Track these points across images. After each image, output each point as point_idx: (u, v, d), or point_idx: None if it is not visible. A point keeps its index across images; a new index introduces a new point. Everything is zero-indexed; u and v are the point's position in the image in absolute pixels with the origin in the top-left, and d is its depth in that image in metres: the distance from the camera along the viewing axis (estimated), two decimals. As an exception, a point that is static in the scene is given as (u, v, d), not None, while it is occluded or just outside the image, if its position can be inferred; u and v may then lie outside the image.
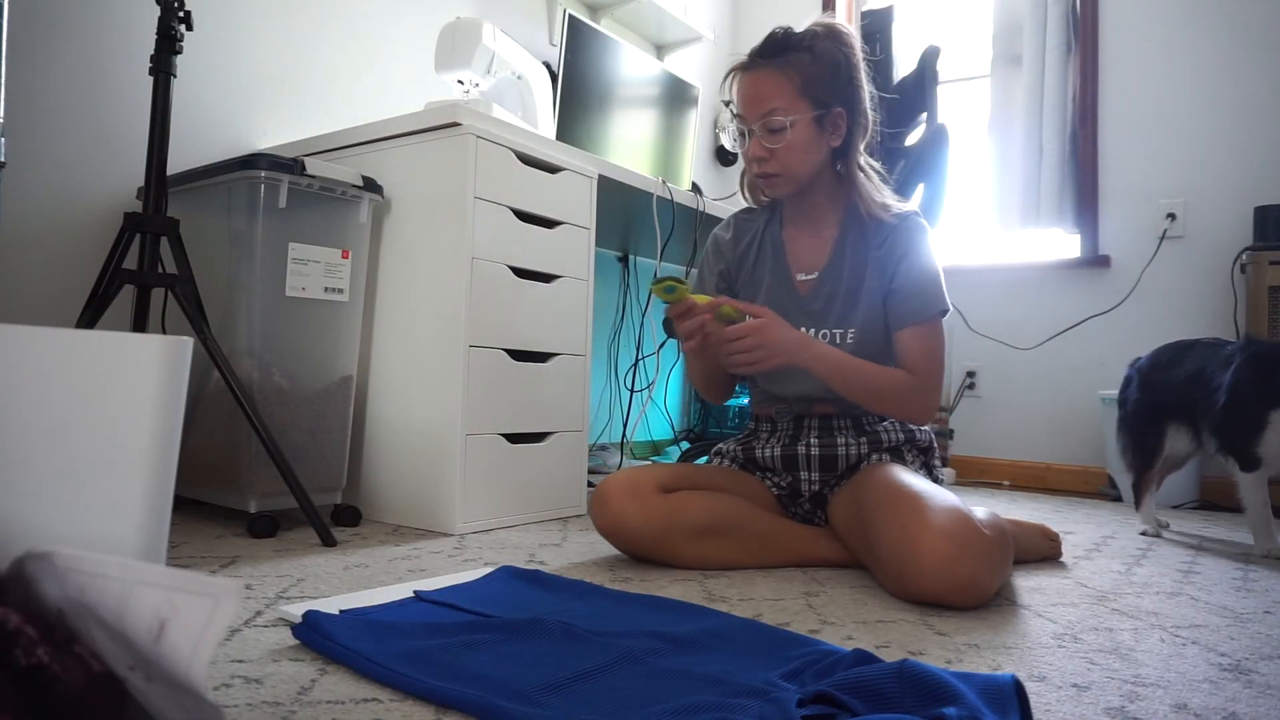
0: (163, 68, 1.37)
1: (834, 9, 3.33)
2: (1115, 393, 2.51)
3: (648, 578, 1.25)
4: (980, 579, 1.10)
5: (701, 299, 1.28)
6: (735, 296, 1.48)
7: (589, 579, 1.21)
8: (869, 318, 1.37)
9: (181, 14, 1.38)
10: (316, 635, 0.85)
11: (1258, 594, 1.27)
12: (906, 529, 1.12)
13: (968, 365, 2.95)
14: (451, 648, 0.83)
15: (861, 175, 1.39)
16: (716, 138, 3.41)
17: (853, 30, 1.37)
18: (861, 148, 1.39)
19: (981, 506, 1.25)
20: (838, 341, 1.38)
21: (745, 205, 1.57)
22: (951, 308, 1.38)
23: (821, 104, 1.32)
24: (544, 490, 1.75)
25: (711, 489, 1.37)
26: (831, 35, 1.33)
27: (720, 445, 1.54)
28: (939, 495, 1.17)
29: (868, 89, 1.38)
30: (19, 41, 1.52)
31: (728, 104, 1.41)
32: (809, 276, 1.43)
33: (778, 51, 1.32)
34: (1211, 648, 0.97)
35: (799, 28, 1.35)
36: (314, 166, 1.53)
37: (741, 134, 1.38)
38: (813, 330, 1.40)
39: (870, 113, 1.38)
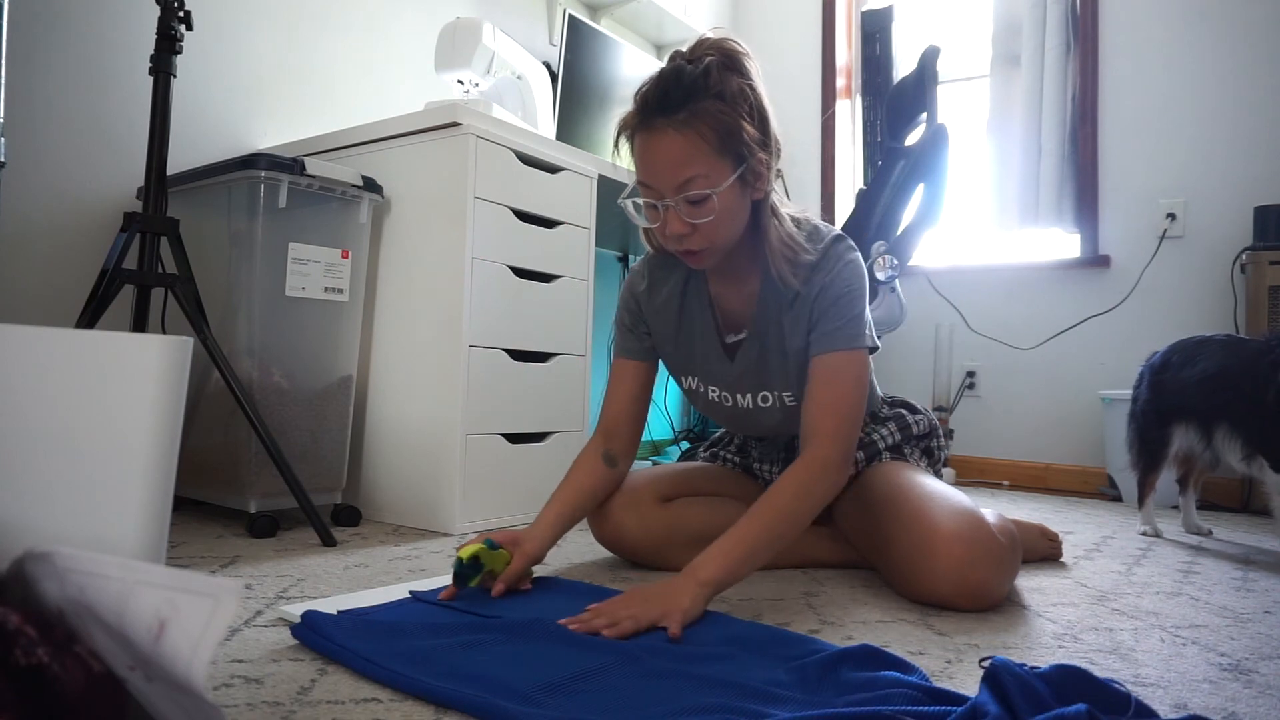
0: (163, 68, 1.37)
1: (834, 9, 3.33)
2: (1115, 392, 2.52)
3: (648, 578, 1.25)
4: (992, 584, 1.10)
5: (499, 560, 1.07)
6: (653, 355, 1.31)
7: (589, 579, 1.21)
8: (805, 374, 1.17)
9: (181, 14, 1.38)
10: (315, 635, 0.85)
11: (1258, 594, 1.27)
12: (918, 533, 1.12)
13: (968, 365, 2.95)
14: (451, 648, 0.83)
15: (774, 223, 1.14)
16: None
17: (743, 44, 1.12)
18: (774, 177, 1.14)
19: (987, 508, 1.25)
20: (779, 406, 1.24)
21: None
22: (876, 345, 1.17)
23: (741, 157, 1.07)
24: (544, 490, 1.73)
25: (711, 493, 1.37)
26: (731, 62, 1.08)
27: (715, 448, 1.51)
28: (950, 497, 1.16)
29: (769, 105, 1.12)
30: (19, 41, 1.52)
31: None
32: (739, 337, 1.24)
33: (682, 102, 1.04)
34: (1211, 648, 0.97)
35: (690, 53, 1.09)
36: (314, 166, 1.53)
37: (652, 206, 1.10)
38: (750, 397, 1.25)
39: (777, 134, 1.12)
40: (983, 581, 1.09)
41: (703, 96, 1.04)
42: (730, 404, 1.29)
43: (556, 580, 1.14)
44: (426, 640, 0.85)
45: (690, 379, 1.30)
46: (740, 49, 1.11)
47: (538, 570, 1.22)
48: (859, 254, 1.19)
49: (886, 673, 0.74)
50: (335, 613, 0.92)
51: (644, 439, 3.03)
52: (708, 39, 1.12)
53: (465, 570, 1.04)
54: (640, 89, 1.09)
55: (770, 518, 1.05)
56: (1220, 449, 1.66)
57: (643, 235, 1.23)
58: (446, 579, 1.11)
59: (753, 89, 1.09)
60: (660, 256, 1.28)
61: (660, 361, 1.33)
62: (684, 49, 1.11)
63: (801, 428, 1.14)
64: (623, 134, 1.12)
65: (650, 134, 1.06)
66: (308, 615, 0.88)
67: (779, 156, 1.14)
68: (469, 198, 1.59)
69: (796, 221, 1.18)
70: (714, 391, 1.29)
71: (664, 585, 0.99)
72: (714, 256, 1.14)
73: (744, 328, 1.23)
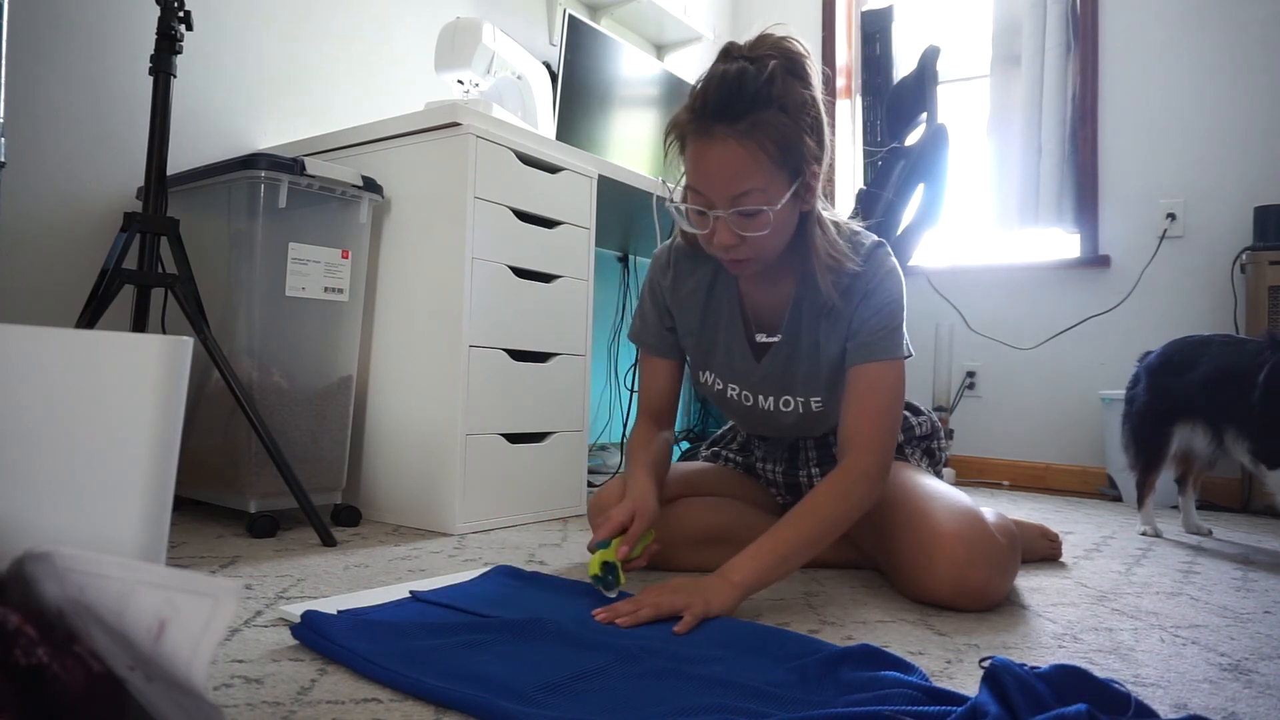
0: (163, 68, 1.37)
1: (834, 9, 3.33)
2: (1115, 393, 2.51)
3: (647, 579, 1.24)
4: (993, 584, 1.10)
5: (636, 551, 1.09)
6: (679, 351, 1.30)
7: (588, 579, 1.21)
8: (835, 380, 1.19)
9: (181, 14, 1.38)
10: (315, 635, 0.85)
11: (1258, 594, 1.27)
12: (919, 533, 1.12)
13: (968, 365, 2.95)
14: (451, 648, 0.83)
15: (819, 233, 1.12)
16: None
17: (804, 45, 1.08)
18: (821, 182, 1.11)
19: (986, 507, 1.25)
20: (801, 410, 1.23)
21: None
22: (911, 353, 1.17)
23: (798, 170, 1.05)
24: (544, 490, 1.75)
25: (711, 493, 1.37)
26: (794, 68, 1.04)
27: (716, 447, 1.51)
28: (951, 497, 1.17)
29: (825, 113, 1.09)
30: (19, 41, 1.52)
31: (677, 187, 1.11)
32: (770, 339, 1.21)
33: (744, 112, 1.00)
34: (1211, 648, 0.97)
35: (750, 51, 1.05)
36: (314, 166, 1.53)
37: (701, 213, 1.06)
38: (772, 399, 1.24)
39: (830, 142, 1.09)
40: (983, 582, 1.09)
41: (766, 107, 1.00)
42: (750, 403, 1.27)
43: (552, 579, 1.14)
44: (426, 640, 0.85)
45: (708, 374, 1.29)
46: (802, 51, 1.06)
47: (547, 568, 1.22)
48: (897, 261, 1.19)
49: (886, 673, 0.74)
50: (335, 613, 0.92)
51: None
52: (770, 37, 1.06)
53: (606, 578, 1.05)
54: (698, 87, 1.04)
55: (807, 524, 1.06)
56: (1231, 450, 1.65)
57: (679, 232, 1.20)
58: (447, 579, 1.12)
59: (814, 99, 1.05)
60: (687, 248, 1.24)
61: (685, 363, 1.33)
62: (742, 42, 1.07)
63: (839, 437, 1.14)
64: (673, 134, 1.08)
65: (708, 140, 1.02)
66: (308, 615, 0.88)
67: (828, 159, 1.11)
68: (469, 198, 1.59)
69: (837, 227, 1.16)
70: (733, 390, 1.28)
71: (696, 580, 1.01)
72: (758, 266, 1.12)
73: (775, 330, 1.21)
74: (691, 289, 1.25)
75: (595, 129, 2.34)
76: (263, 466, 1.46)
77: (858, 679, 0.75)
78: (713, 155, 1.02)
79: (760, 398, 1.26)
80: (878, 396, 1.12)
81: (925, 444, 1.41)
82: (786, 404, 1.24)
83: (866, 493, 1.09)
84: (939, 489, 1.19)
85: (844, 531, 1.10)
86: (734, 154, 1.01)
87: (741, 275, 1.18)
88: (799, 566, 1.08)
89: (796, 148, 1.03)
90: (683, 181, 1.08)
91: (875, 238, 1.19)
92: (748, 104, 1.00)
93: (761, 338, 1.22)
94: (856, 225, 1.21)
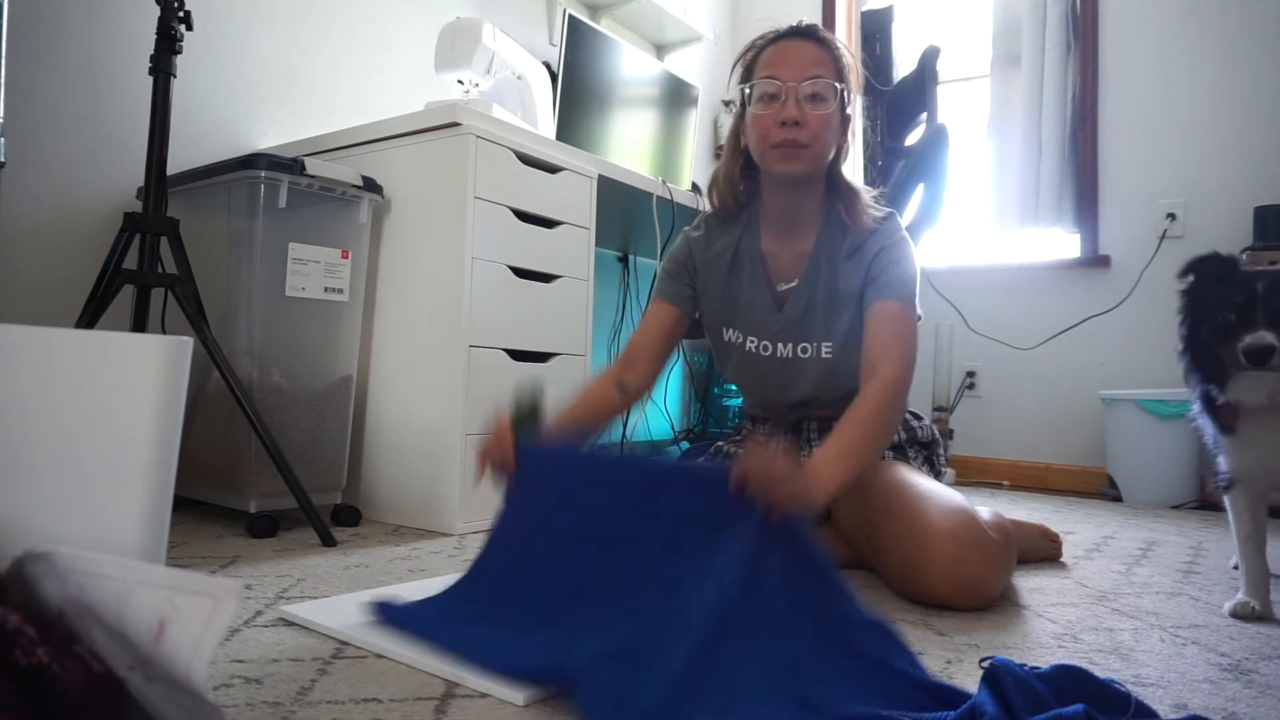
0: (163, 68, 1.37)
1: (834, 9, 3.33)
2: (1115, 392, 2.51)
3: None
4: (985, 582, 1.10)
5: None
6: (695, 307, 1.40)
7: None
8: (845, 330, 1.29)
9: (181, 14, 1.38)
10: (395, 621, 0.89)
11: (1258, 594, 1.27)
12: (912, 531, 1.12)
13: (968, 365, 2.95)
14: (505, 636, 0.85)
15: (845, 179, 1.31)
16: (717, 137, 3.41)
17: None
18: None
19: (984, 506, 1.25)
20: (808, 355, 1.32)
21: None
22: (921, 316, 1.27)
23: (844, 102, 1.25)
24: (544, 490, 1.75)
25: None
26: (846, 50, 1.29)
27: (720, 444, 1.53)
28: (944, 496, 1.17)
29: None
30: (19, 41, 1.52)
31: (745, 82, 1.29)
32: (787, 286, 1.33)
33: (824, 38, 1.25)
34: (1211, 648, 0.97)
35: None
36: (314, 166, 1.53)
37: (772, 96, 1.22)
38: (791, 345, 1.32)
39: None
40: (976, 579, 1.09)
41: (839, 47, 1.26)
42: (769, 353, 1.34)
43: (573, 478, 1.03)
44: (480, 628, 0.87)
45: (730, 331, 1.37)
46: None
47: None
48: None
49: (898, 660, 0.75)
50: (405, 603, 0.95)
51: (644, 438, 3.03)
52: None
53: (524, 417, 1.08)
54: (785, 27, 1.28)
55: (872, 422, 1.11)
56: None
57: (709, 191, 1.37)
58: (448, 579, 1.11)
59: (856, 71, 1.28)
60: (718, 217, 1.38)
61: (688, 324, 1.40)
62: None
63: (865, 359, 1.21)
64: (747, 54, 1.28)
65: (790, 41, 1.25)
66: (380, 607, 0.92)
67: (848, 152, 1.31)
68: (469, 198, 1.59)
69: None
70: (753, 342, 1.35)
71: (802, 472, 0.91)
72: (809, 162, 1.23)
73: (792, 282, 1.32)
74: (720, 249, 1.36)
75: (595, 129, 2.34)
76: (263, 466, 1.46)
77: (871, 658, 0.75)
78: (794, 48, 1.24)
79: (780, 346, 1.33)
80: (902, 325, 1.22)
81: (926, 452, 1.41)
82: (804, 350, 1.32)
83: (900, 406, 1.19)
84: (932, 488, 1.20)
85: (887, 445, 1.19)
86: (811, 49, 1.24)
87: (761, 229, 1.33)
88: (868, 464, 1.11)
89: (850, 81, 1.25)
90: (746, 91, 1.27)
91: (889, 209, 1.32)
92: (826, 37, 1.26)
93: (783, 287, 1.33)
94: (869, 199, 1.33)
